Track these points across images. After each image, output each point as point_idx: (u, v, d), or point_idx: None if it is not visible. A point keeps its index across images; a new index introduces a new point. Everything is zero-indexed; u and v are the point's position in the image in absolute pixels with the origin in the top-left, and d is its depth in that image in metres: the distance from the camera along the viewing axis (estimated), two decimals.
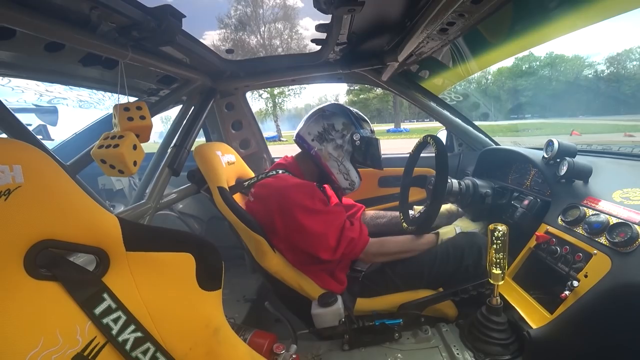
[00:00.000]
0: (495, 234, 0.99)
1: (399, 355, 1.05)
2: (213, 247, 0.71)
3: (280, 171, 1.29)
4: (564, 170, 1.16)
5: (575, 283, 0.89)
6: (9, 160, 0.45)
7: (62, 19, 0.80)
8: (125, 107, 0.93)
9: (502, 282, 1.01)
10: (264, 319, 1.63)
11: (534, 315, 0.98)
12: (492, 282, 1.01)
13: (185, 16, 0.95)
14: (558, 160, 1.23)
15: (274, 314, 1.15)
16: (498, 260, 0.99)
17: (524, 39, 1.34)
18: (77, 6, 0.77)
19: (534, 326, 0.95)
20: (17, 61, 1.02)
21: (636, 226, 0.83)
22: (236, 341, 0.75)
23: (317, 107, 1.40)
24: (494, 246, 1.00)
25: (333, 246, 1.13)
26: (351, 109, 1.37)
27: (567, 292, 0.90)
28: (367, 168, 1.40)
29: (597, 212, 0.98)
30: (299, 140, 1.35)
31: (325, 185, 1.45)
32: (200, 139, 2.05)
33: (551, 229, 1.10)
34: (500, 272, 0.99)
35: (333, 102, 1.43)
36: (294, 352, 1.00)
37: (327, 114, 1.32)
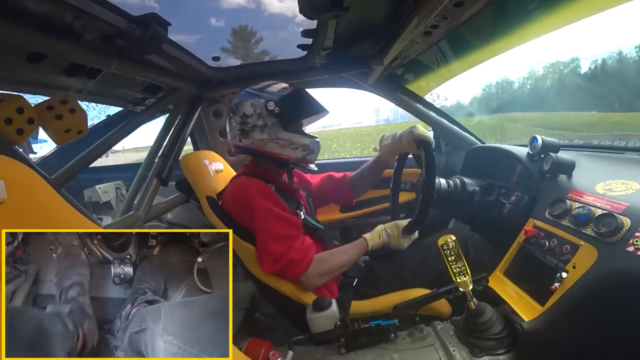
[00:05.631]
0: (445, 247, 1.01)
1: (396, 355, 1.05)
2: None
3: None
4: (548, 165, 1.19)
5: (564, 274, 0.91)
6: None
7: (45, 29, 0.78)
8: (49, 106, 0.89)
9: (472, 286, 1.01)
10: (258, 326, 1.61)
11: (525, 308, 1.00)
12: (462, 290, 1.01)
13: (170, 24, 0.95)
14: (542, 156, 1.26)
15: (267, 322, 1.14)
16: (460, 269, 1.00)
17: (504, 39, 1.39)
18: (59, 15, 0.76)
19: (526, 319, 0.96)
20: None
21: (620, 216, 0.86)
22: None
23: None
24: (449, 259, 1.00)
25: (275, 256, 1.10)
26: (252, 87, 1.25)
27: (556, 284, 0.91)
28: (314, 120, 1.30)
29: (582, 205, 1.00)
30: (237, 150, 1.27)
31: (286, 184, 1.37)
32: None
33: (539, 223, 1.12)
34: (466, 278, 1.00)
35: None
36: (291, 359, 0.99)
37: (233, 109, 1.23)
